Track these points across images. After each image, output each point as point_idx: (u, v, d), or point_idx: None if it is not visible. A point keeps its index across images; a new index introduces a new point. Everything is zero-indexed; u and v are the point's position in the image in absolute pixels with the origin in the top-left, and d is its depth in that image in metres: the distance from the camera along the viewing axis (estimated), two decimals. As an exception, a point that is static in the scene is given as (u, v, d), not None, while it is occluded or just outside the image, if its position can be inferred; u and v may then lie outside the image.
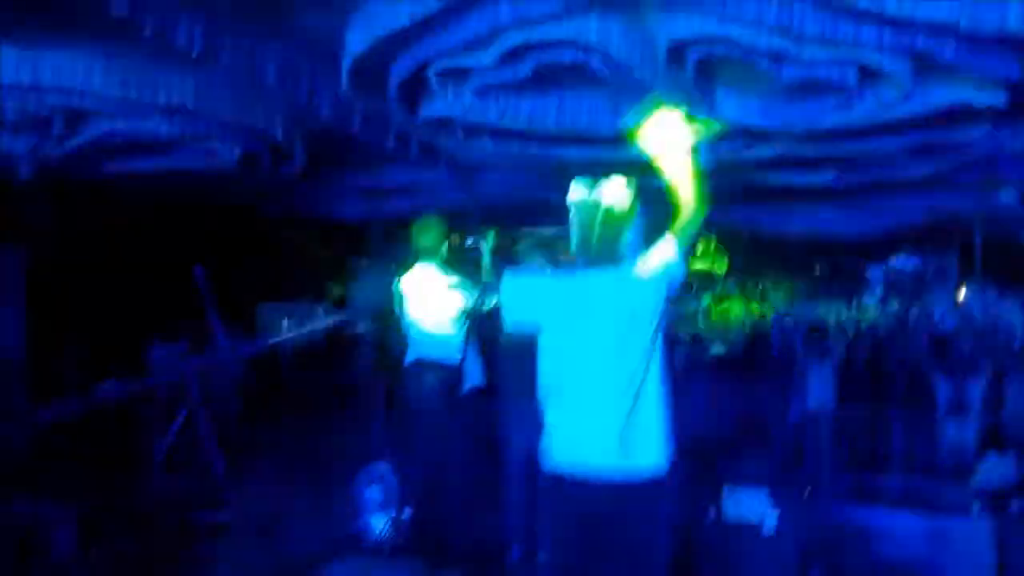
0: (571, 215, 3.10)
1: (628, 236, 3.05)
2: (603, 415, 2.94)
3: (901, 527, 5.08)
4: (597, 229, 3.04)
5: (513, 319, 3.21)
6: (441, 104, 5.51)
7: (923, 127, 5.48)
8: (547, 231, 10.56)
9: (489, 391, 4.64)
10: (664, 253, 2.98)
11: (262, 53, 5.20)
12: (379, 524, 4.67)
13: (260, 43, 5.13)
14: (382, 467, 4.77)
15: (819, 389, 8.53)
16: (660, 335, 2.98)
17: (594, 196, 3.05)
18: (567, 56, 4.65)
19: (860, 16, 3.92)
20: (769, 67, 4.49)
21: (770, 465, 3.94)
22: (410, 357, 4.48)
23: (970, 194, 8.81)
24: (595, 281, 3.03)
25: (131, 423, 7.32)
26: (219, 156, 6.74)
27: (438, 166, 7.67)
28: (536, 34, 4.46)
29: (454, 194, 8.59)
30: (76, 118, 5.91)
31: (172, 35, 4.71)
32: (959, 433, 7.85)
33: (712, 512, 3.73)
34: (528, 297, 3.16)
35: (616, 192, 3.05)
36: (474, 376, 4.51)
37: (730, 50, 4.39)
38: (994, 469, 6.63)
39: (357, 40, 4.76)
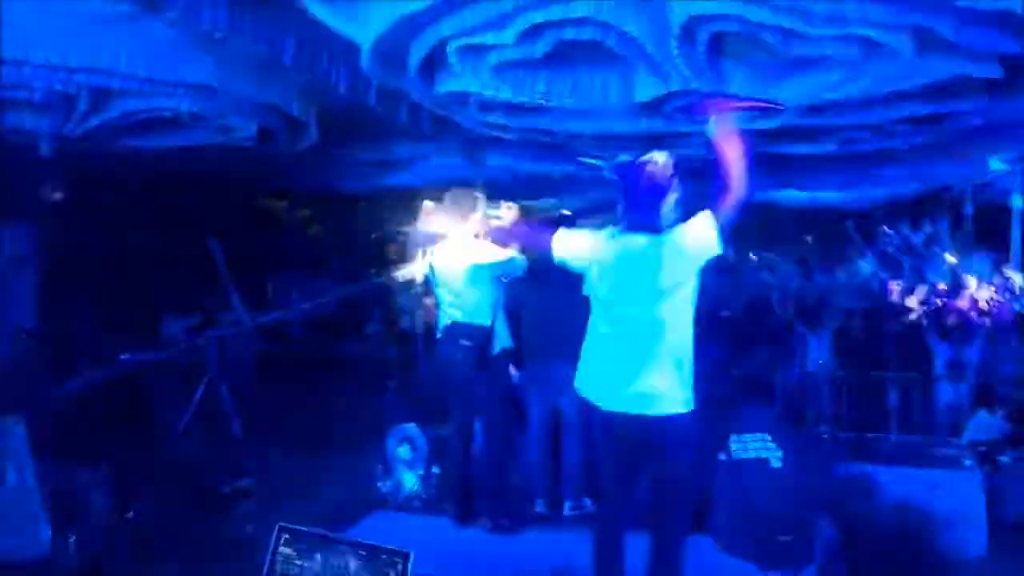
0: (618, 184, 3.53)
1: (669, 205, 3.35)
2: (639, 360, 3.37)
3: (899, 478, 5.37)
4: (641, 196, 3.40)
5: (563, 263, 3.67)
6: (459, 80, 5.69)
7: (923, 99, 5.69)
8: (548, 204, 10.79)
9: (517, 353, 4.89)
10: (702, 227, 3.26)
11: (282, 31, 5.36)
12: (409, 482, 4.91)
13: (280, 22, 5.28)
14: (410, 427, 5.00)
15: (817, 352, 8.83)
16: (692, 297, 3.30)
17: (639, 166, 3.46)
18: (584, 34, 4.83)
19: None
20: (778, 43, 4.68)
21: (773, 419, 4.20)
22: (443, 321, 4.72)
23: (964, 163, 9.05)
24: (639, 244, 3.34)
25: (149, 394, 7.49)
26: (236, 132, 6.90)
27: (448, 140, 7.85)
28: (555, 13, 4.63)
29: (461, 168, 8.77)
30: (101, 96, 6.06)
31: (196, 16, 4.87)
32: (954, 394, 8.15)
33: (723, 454, 4.03)
34: (581, 248, 3.62)
35: (659, 163, 3.44)
36: (504, 338, 4.76)
37: (741, 27, 4.57)
38: (984, 426, 6.94)
39: (378, 19, 4.93)
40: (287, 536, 3.08)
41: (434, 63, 5.65)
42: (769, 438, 4.03)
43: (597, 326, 3.57)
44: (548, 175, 9.32)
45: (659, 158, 3.50)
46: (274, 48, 5.35)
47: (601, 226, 3.62)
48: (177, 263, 8.05)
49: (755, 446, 4.05)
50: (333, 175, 9.70)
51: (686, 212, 3.41)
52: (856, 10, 4.22)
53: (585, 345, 3.60)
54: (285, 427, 6.96)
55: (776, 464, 4.00)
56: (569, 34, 4.87)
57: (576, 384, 3.60)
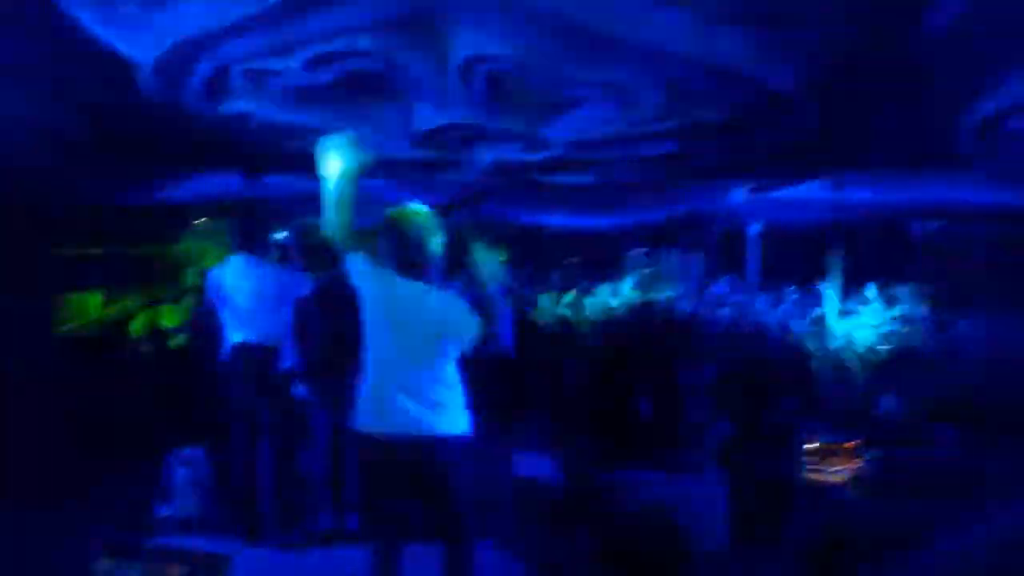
0: (386, 232, 3.88)
1: (433, 253, 3.81)
2: (414, 385, 3.68)
3: (652, 482, 5.99)
4: (410, 246, 3.80)
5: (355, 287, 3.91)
6: (240, 102, 5.74)
7: (670, 138, 6.39)
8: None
9: (302, 371, 5.03)
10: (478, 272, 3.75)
11: (57, 51, 5.20)
12: (190, 504, 4.90)
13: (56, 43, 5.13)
14: (191, 450, 5.00)
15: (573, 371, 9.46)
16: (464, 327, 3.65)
17: (407, 218, 3.86)
18: (368, 65, 5.07)
19: (625, 48, 4.63)
20: (547, 85, 5.15)
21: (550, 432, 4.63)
22: (230, 341, 4.76)
23: (708, 193, 10.07)
24: (409, 289, 3.74)
25: None
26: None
27: (225, 158, 7.79)
28: (339, 45, 4.85)
29: (240, 186, 8.70)
30: None
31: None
32: (697, 407, 9.02)
33: (503, 469, 4.39)
34: (365, 276, 3.87)
35: (423, 216, 3.86)
36: (289, 357, 4.88)
37: (514, 69, 5.00)
38: (719, 433, 7.79)
39: (160, 40, 4.93)
40: (108, 547, 3.08)
41: (217, 83, 5.67)
42: (548, 454, 4.42)
43: (373, 352, 3.80)
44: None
45: (421, 209, 3.92)
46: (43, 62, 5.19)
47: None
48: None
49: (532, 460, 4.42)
50: (107, 190, 9.28)
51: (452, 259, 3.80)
52: (614, 60, 4.73)
53: (362, 371, 3.83)
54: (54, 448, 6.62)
55: (547, 475, 4.40)
56: (353, 65, 5.10)
57: (355, 408, 3.81)
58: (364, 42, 4.83)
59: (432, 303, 3.70)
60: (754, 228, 13.27)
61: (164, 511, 4.97)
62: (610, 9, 4.39)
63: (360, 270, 3.86)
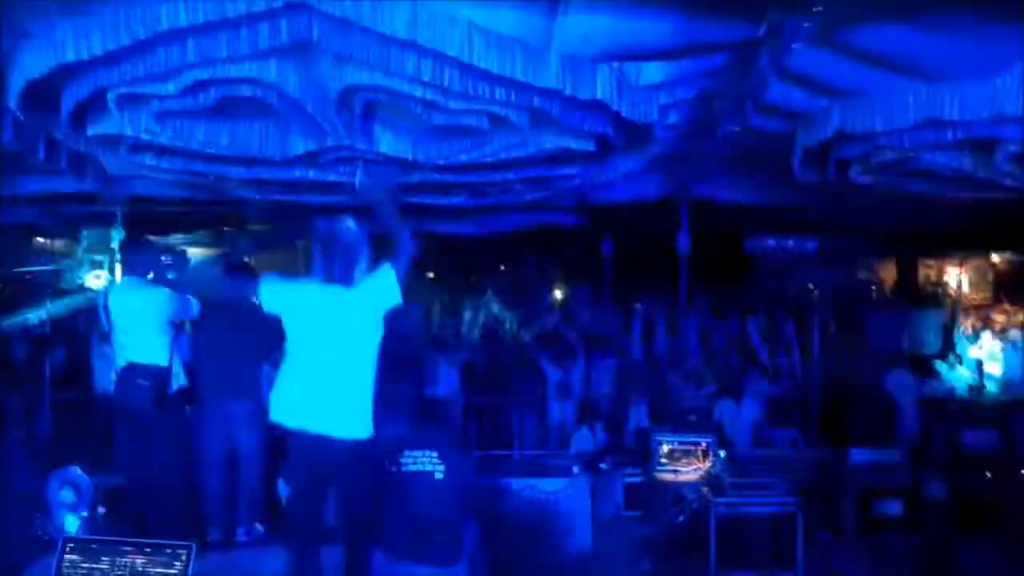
0: (316, 242, 4.09)
1: (359, 262, 4.01)
2: (329, 393, 3.96)
3: (524, 486, 6.36)
4: (337, 254, 4.01)
5: (270, 309, 4.14)
6: (113, 123, 5.77)
7: (534, 165, 6.81)
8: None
9: (192, 391, 5.11)
10: (385, 280, 3.99)
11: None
12: (72, 526, 4.88)
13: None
14: (73, 470, 4.98)
15: (446, 378, 9.73)
16: (376, 338, 4.03)
17: (336, 229, 4.03)
18: (247, 91, 5.23)
19: (493, 78, 4.97)
20: (420, 112, 5.44)
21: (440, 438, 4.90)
22: (120, 362, 4.79)
23: (562, 213, 10.57)
24: (333, 294, 3.98)
25: None
26: None
27: (86, 176, 7.67)
28: (220, 72, 4.99)
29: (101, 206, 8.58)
30: None
31: None
32: (561, 411, 9.47)
33: (395, 467, 4.66)
34: (285, 295, 4.11)
35: (352, 228, 4.05)
36: (180, 377, 4.95)
37: (391, 97, 5.27)
38: (585, 439, 8.21)
39: (34, 65, 4.94)
40: (71, 545, 3.18)
41: (88, 105, 5.68)
42: (435, 454, 4.69)
43: (294, 363, 4.03)
44: (192, 212, 9.41)
45: (351, 224, 4.07)
46: None
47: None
48: None
49: (422, 461, 4.69)
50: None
51: (371, 267, 4.03)
52: (485, 89, 5.07)
53: (282, 379, 4.06)
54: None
55: (439, 476, 4.67)
56: (233, 91, 5.24)
57: (272, 414, 4.03)
58: (244, 69, 4.98)
59: (354, 308, 3.94)
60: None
61: (47, 532, 4.91)
62: (482, 44, 4.73)
63: (276, 288, 4.12)
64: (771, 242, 10.67)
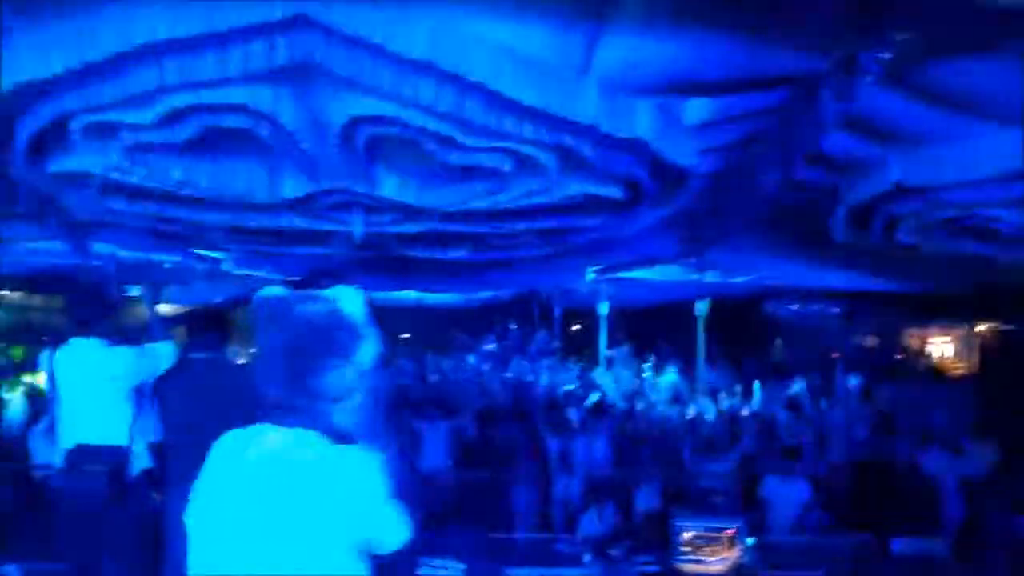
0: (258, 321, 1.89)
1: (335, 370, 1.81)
2: None
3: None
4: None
5: None
6: (79, 159, 5.02)
7: (553, 214, 6.10)
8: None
9: (159, 473, 4.22)
10: None
11: None
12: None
13: None
14: (9, 569, 4.13)
15: (433, 451, 8.96)
16: None
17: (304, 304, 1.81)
18: (235, 122, 4.51)
19: (523, 110, 4.29)
20: (435, 150, 4.73)
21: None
22: (68, 443, 3.93)
23: (566, 272, 9.92)
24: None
25: None
26: None
27: (48, 223, 6.90)
28: (206, 97, 4.27)
29: (64, 255, 7.79)
30: None
31: None
32: (566, 489, 8.66)
33: None
34: None
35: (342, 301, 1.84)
36: (143, 458, 4.08)
37: (401, 131, 4.55)
38: (594, 521, 7.44)
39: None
40: None
41: (48, 138, 4.93)
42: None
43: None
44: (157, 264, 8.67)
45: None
46: None
47: None
48: None
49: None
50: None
51: None
52: (512, 124, 4.38)
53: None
54: None
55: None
56: (218, 121, 4.52)
57: None
58: (233, 95, 4.27)
59: None
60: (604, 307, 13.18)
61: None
62: (511, 70, 4.06)
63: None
64: (794, 306, 10.02)
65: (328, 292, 1.79)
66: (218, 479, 1.86)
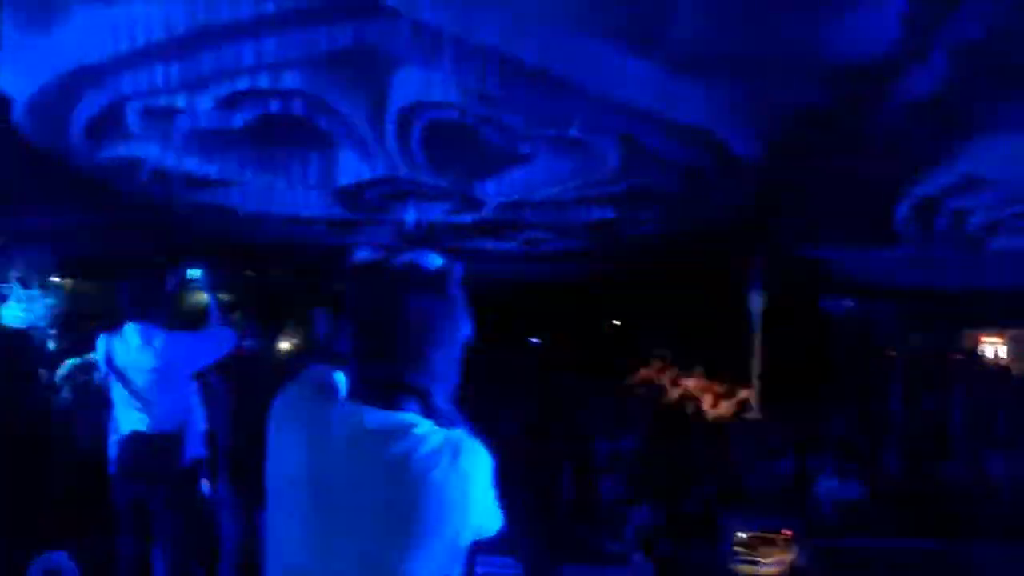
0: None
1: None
2: None
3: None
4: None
5: None
6: (135, 144, 4.98)
7: (610, 204, 5.94)
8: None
9: (211, 463, 4.14)
10: None
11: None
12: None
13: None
14: (59, 556, 4.10)
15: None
16: None
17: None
18: (291, 107, 4.43)
19: (579, 95, 4.14)
20: (494, 138, 4.62)
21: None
22: (122, 428, 3.84)
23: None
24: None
25: None
26: None
27: (110, 207, 6.86)
28: (262, 81, 4.19)
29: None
30: None
31: None
32: (615, 487, 8.52)
33: None
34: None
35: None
36: (196, 446, 3.98)
37: (461, 117, 4.44)
38: (641, 518, 7.31)
39: (45, 68, 4.17)
40: None
41: (103, 123, 4.89)
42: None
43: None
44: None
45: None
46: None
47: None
48: None
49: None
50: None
51: None
52: (577, 109, 4.25)
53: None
54: None
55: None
56: (275, 106, 4.44)
57: None
58: (290, 78, 4.18)
59: None
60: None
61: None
62: (572, 53, 3.92)
63: None
64: (849, 302, 9.76)
65: (437, 258, 1.58)
66: (300, 459, 1.63)
